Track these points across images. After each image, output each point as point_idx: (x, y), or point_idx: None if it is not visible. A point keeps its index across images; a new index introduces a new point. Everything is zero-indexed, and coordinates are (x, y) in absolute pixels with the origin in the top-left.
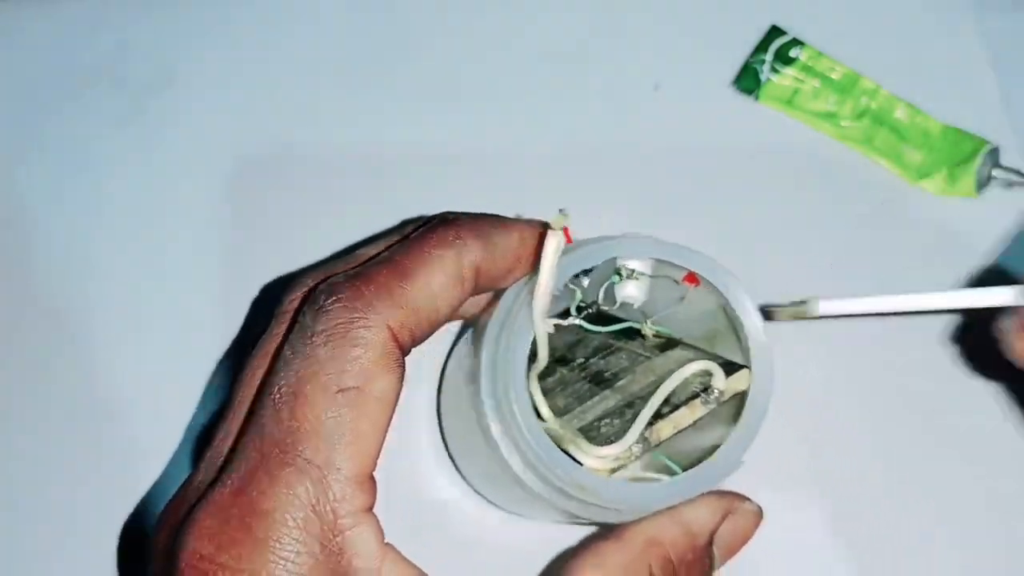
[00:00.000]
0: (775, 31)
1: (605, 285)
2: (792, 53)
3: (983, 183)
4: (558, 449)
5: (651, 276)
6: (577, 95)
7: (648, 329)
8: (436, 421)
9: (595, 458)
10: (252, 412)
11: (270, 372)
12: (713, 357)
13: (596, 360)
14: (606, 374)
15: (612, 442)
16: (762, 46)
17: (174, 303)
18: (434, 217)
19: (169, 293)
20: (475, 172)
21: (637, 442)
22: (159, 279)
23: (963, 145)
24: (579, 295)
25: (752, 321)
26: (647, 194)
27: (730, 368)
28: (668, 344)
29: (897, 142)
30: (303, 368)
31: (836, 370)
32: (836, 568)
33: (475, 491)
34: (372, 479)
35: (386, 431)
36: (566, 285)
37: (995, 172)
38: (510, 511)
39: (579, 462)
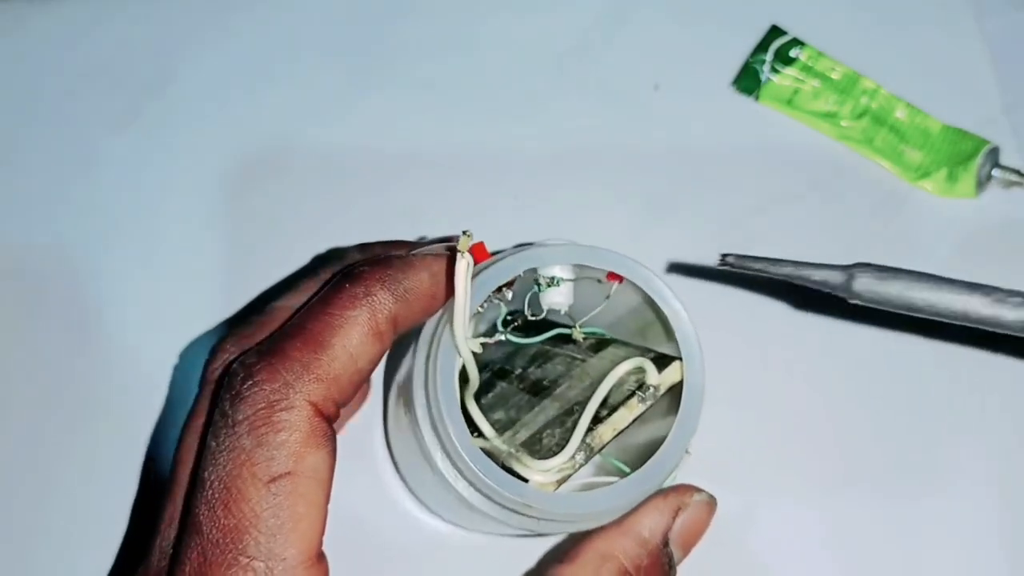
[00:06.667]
0: (775, 31)
1: (529, 295)
2: (792, 53)
3: (983, 183)
4: (500, 469)
5: (573, 280)
6: (577, 95)
7: (578, 334)
8: (386, 447)
9: (539, 472)
10: (188, 507)
11: (199, 461)
12: (644, 352)
13: (533, 369)
14: (544, 382)
15: (555, 453)
16: (762, 46)
17: (172, 305)
18: (341, 270)
19: (166, 295)
20: (475, 172)
21: (579, 450)
22: (156, 280)
23: (963, 145)
24: (504, 309)
25: (676, 311)
26: (647, 194)
27: (663, 362)
28: (601, 344)
29: (897, 142)
30: (230, 462)
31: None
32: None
33: (433, 513)
34: (320, 557)
35: (326, 505)
36: (490, 300)
37: (995, 172)
38: (470, 530)
39: (524, 478)
